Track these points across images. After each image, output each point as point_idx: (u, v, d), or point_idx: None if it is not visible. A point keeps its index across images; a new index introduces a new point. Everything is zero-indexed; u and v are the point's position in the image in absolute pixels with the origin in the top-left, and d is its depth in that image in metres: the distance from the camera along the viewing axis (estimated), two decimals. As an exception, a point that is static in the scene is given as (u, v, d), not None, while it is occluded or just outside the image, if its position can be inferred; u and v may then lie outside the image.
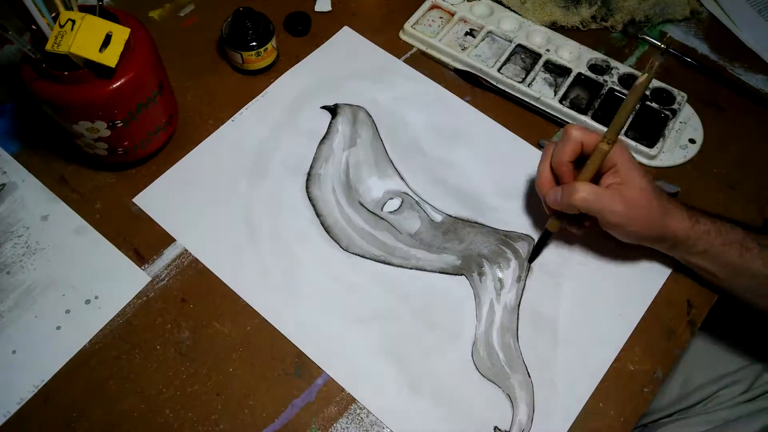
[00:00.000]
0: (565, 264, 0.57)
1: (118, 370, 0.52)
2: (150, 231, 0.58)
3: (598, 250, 0.58)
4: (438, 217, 0.59)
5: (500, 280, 0.56)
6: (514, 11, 0.72)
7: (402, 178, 0.61)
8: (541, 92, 0.66)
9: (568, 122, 0.64)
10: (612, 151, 0.50)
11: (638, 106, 0.64)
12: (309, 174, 0.61)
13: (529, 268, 0.57)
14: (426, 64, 0.69)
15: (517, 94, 0.66)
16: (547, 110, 0.65)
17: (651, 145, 0.62)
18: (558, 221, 0.54)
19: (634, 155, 0.62)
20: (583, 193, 0.49)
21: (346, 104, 0.65)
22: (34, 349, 0.52)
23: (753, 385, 0.65)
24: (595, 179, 0.52)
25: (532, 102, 0.66)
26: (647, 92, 0.65)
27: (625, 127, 0.63)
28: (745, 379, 0.65)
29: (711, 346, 0.68)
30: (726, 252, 0.52)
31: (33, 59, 0.50)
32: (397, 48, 0.70)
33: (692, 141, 0.64)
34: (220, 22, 0.66)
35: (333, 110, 0.65)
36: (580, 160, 0.52)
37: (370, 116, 0.65)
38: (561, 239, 0.58)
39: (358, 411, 0.51)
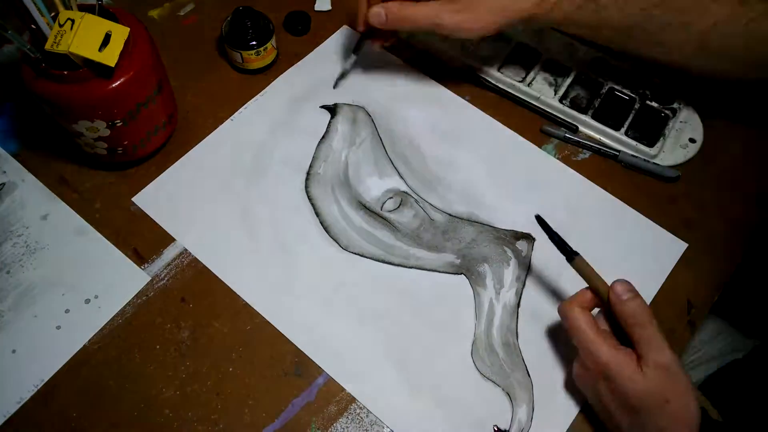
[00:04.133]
0: (566, 263, 0.57)
1: (118, 370, 0.52)
2: (149, 231, 0.58)
3: (598, 250, 0.58)
4: (437, 216, 0.59)
5: (500, 279, 0.56)
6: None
7: (401, 177, 0.61)
8: (541, 91, 0.66)
9: (568, 121, 0.64)
10: None
11: (638, 105, 0.64)
12: (308, 173, 0.61)
13: (529, 266, 0.57)
14: (425, 63, 0.69)
15: (517, 94, 0.66)
16: (547, 109, 0.65)
17: (651, 145, 0.62)
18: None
19: (635, 155, 0.62)
20: (411, 9, 0.52)
21: (345, 103, 0.65)
22: (34, 348, 0.52)
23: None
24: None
25: (532, 101, 0.66)
26: (647, 91, 0.65)
27: (626, 127, 0.63)
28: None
29: None
30: (583, 14, 0.53)
31: (32, 59, 0.50)
32: (396, 48, 0.70)
33: (692, 140, 0.64)
34: (220, 21, 0.66)
35: (332, 109, 0.65)
36: None
37: (370, 115, 0.65)
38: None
39: (358, 411, 0.51)
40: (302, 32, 0.70)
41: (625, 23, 0.54)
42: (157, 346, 0.53)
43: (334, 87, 0.61)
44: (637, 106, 0.64)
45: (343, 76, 0.63)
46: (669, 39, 0.55)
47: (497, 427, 0.50)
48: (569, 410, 0.51)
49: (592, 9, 0.53)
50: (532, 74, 0.66)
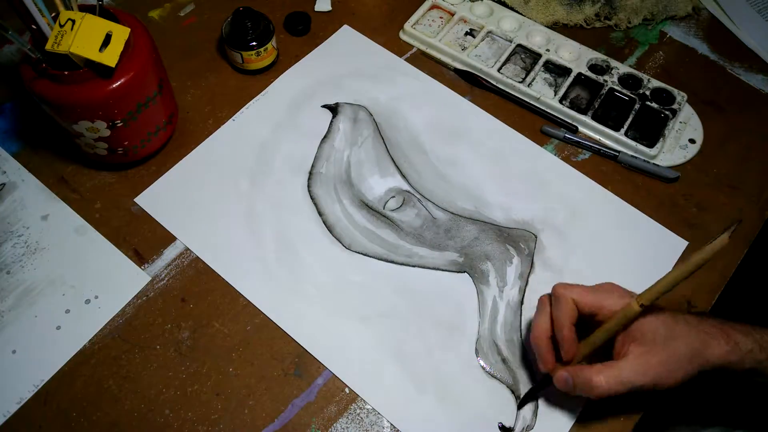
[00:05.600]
0: (567, 261, 0.57)
1: (118, 370, 0.51)
2: (150, 231, 0.58)
3: (599, 248, 0.58)
4: (440, 215, 0.59)
5: (503, 276, 0.56)
6: (516, 11, 0.72)
7: (403, 176, 0.61)
8: (541, 92, 0.66)
9: (568, 122, 0.64)
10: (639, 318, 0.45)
11: (638, 106, 0.64)
12: (310, 173, 0.61)
13: (532, 264, 0.57)
14: (426, 64, 0.69)
15: (517, 94, 0.66)
16: (547, 110, 0.65)
17: (651, 145, 0.62)
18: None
19: (635, 155, 0.62)
20: (604, 386, 0.44)
21: (347, 103, 0.65)
22: (34, 349, 0.52)
23: None
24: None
25: (532, 102, 0.66)
26: (647, 92, 0.65)
27: (625, 127, 0.63)
28: None
29: None
30: None
31: (33, 59, 0.50)
32: (397, 48, 0.70)
33: (692, 141, 0.64)
34: (220, 21, 0.66)
35: (334, 109, 0.65)
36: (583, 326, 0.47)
37: (371, 115, 0.65)
38: (563, 238, 0.58)
39: (358, 411, 0.50)
40: (302, 32, 0.71)
41: None
42: (157, 346, 0.53)
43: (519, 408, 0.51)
44: (637, 106, 0.64)
45: (530, 398, 0.51)
46: None
47: (502, 425, 0.50)
48: (573, 407, 0.51)
49: None
50: (532, 75, 0.67)
